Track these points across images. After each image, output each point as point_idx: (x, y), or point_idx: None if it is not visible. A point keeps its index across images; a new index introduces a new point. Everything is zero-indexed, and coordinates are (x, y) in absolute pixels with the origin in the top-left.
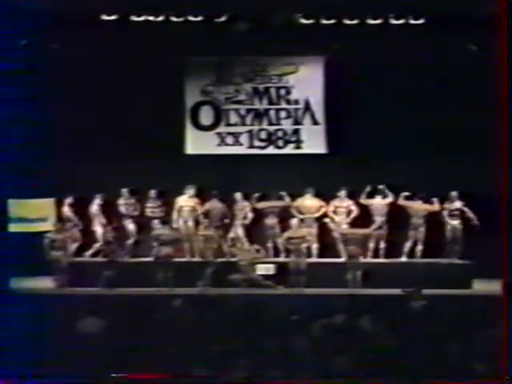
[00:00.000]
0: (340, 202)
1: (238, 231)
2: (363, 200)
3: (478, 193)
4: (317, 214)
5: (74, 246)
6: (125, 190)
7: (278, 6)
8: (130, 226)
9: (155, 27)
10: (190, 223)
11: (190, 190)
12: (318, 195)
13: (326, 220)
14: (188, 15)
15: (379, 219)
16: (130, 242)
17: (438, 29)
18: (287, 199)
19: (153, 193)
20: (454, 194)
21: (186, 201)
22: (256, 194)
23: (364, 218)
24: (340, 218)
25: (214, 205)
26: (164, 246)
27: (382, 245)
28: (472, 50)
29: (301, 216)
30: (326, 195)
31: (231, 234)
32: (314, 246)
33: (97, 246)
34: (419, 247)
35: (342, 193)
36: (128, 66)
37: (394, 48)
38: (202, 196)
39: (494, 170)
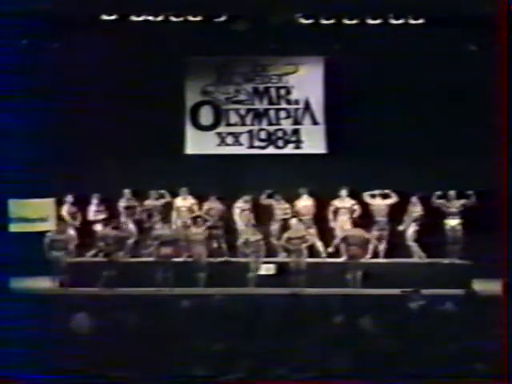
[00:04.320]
0: (341, 202)
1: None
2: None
3: (478, 193)
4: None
5: (73, 246)
6: (127, 191)
7: (278, 5)
8: (130, 225)
9: (155, 27)
10: (188, 223)
11: (184, 191)
12: (317, 195)
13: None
14: (188, 15)
15: (381, 220)
16: (130, 241)
17: (438, 29)
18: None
19: (153, 193)
20: (452, 193)
21: (182, 201)
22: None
23: (366, 218)
24: (342, 219)
25: (213, 205)
26: (164, 245)
27: (383, 245)
28: (472, 49)
29: (299, 217)
30: (326, 195)
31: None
32: (319, 244)
33: (98, 245)
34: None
35: (343, 193)
36: (128, 66)
37: (393, 48)
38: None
39: (493, 170)
